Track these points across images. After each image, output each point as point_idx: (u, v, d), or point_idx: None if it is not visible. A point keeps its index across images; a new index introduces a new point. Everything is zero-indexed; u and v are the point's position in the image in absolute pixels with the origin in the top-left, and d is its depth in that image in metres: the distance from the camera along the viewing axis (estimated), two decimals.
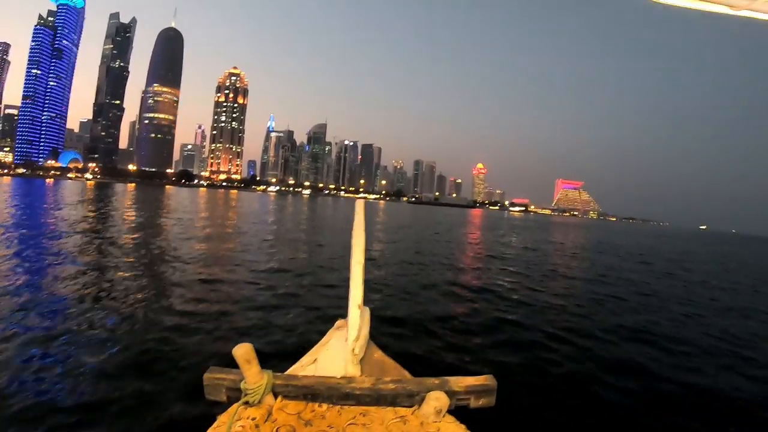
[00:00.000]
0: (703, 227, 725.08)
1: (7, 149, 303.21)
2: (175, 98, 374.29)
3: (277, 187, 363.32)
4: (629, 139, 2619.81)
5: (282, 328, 7.70)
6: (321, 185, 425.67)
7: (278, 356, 6.02)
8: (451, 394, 2.18)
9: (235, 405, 2.08)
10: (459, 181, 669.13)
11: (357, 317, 2.59)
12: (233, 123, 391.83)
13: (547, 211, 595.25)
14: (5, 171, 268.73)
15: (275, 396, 2.16)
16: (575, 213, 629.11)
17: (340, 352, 2.61)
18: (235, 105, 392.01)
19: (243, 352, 2.05)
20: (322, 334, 3.09)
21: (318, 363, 2.64)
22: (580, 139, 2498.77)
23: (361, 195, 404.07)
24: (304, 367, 2.65)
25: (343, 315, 2.79)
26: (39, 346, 5.94)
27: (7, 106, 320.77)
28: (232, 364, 2.10)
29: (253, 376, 2.06)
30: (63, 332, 6.59)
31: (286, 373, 2.44)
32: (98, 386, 4.93)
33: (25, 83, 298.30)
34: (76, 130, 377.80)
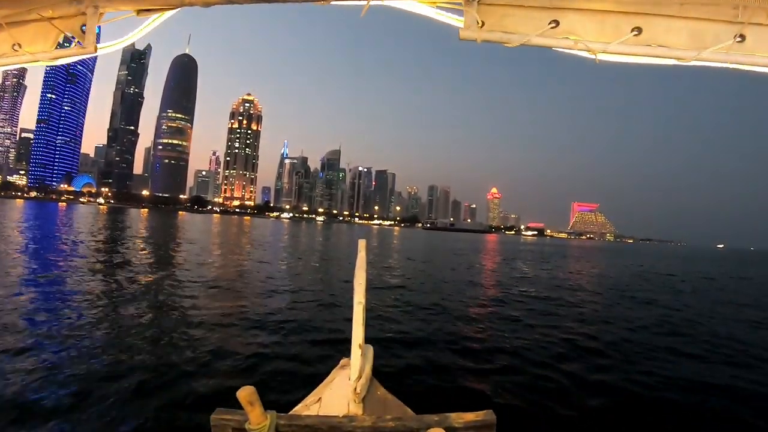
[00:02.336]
0: (720, 246, 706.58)
1: (22, 172, 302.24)
2: (189, 124, 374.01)
3: (291, 214, 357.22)
4: (643, 158, 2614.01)
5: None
6: (335, 212, 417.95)
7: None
8: (450, 430, 2.18)
9: None
10: (473, 206, 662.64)
11: (359, 356, 2.63)
12: (247, 149, 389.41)
13: (563, 235, 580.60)
14: (19, 194, 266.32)
15: None
16: (591, 236, 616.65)
17: (343, 390, 2.64)
18: (249, 131, 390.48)
19: (246, 394, 2.09)
20: (328, 373, 3.13)
21: (322, 402, 2.68)
22: (594, 161, 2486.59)
23: (376, 221, 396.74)
24: (308, 407, 2.68)
25: (348, 354, 2.81)
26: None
27: (24, 130, 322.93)
28: (238, 405, 2.15)
29: (256, 417, 2.10)
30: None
31: (290, 413, 2.48)
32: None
33: (40, 107, 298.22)
34: (92, 155, 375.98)
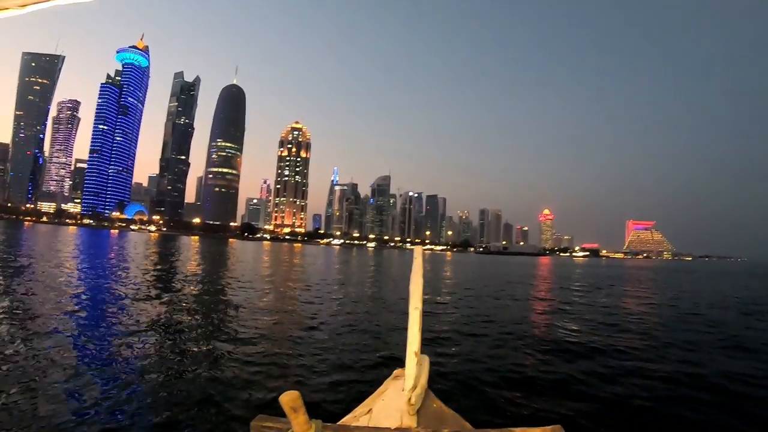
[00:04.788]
0: None
1: (77, 201, 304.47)
2: (239, 153, 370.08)
3: (341, 240, 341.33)
4: (698, 173, 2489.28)
5: None
6: (386, 237, 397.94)
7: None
8: None
9: None
10: (525, 228, 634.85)
11: (414, 365, 2.49)
12: (296, 177, 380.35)
13: (620, 255, 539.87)
14: (73, 221, 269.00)
15: None
16: (648, 255, 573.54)
17: (396, 402, 2.52)
18: (298, 159, 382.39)
19: (289, 399, 1.92)
20: (380, 384, 3.00)
21: (372, 413, 2.54)
22: (649, 178, 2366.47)
23: (428, 246, 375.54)
24: (358, 418, 2.55)
25: (402, 364, 2.66)
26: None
27: (78, 160, 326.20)
28: (281, 412, 1.98)
29: (300, 425, 1.93)
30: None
31: (337, 423, 2.31)
32: None
33: (93, 138, 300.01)
34: (145, 184, 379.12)
